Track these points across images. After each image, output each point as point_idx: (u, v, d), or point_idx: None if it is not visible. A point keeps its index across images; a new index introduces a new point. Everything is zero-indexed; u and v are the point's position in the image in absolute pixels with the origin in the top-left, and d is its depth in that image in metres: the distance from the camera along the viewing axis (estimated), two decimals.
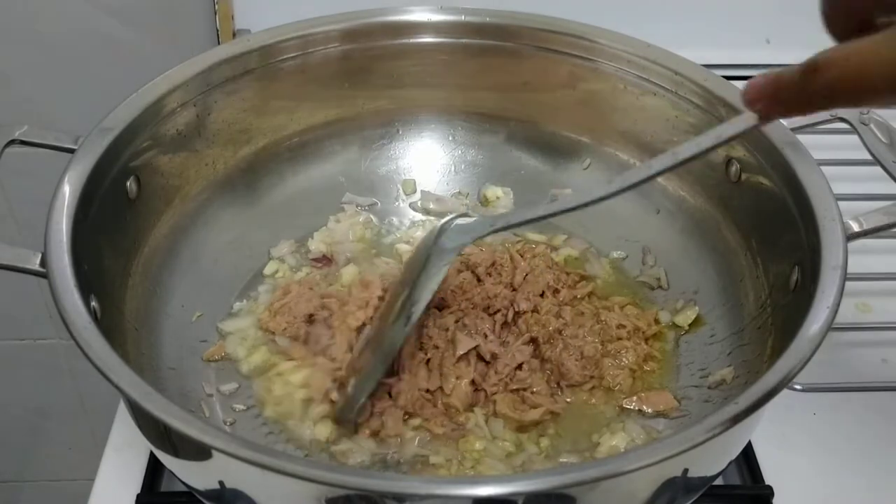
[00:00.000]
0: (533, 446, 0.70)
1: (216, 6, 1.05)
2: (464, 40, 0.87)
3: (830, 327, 0.59)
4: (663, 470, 0.55)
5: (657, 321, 0.79)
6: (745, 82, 0.52)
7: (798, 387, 0.78)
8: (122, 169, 0.73)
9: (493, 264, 0.81)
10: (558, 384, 0.74)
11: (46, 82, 1.13)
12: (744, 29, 1.11)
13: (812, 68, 0.47)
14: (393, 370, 0.72)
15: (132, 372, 0.56)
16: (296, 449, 0.69)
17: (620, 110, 0.86)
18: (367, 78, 0.88)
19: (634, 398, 0.73)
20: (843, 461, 0.74)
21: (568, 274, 0.82)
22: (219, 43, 1.06)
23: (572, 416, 0.73)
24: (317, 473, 0.51)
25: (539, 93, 0.89)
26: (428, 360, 0.73)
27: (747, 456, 0.73)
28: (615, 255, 0.87)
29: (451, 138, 0.93)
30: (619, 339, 0.77)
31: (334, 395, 0.72)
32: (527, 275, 0.80)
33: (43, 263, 0.62)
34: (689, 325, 0.79)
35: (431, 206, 0.91)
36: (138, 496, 0.70)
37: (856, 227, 0.67)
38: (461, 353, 0.73)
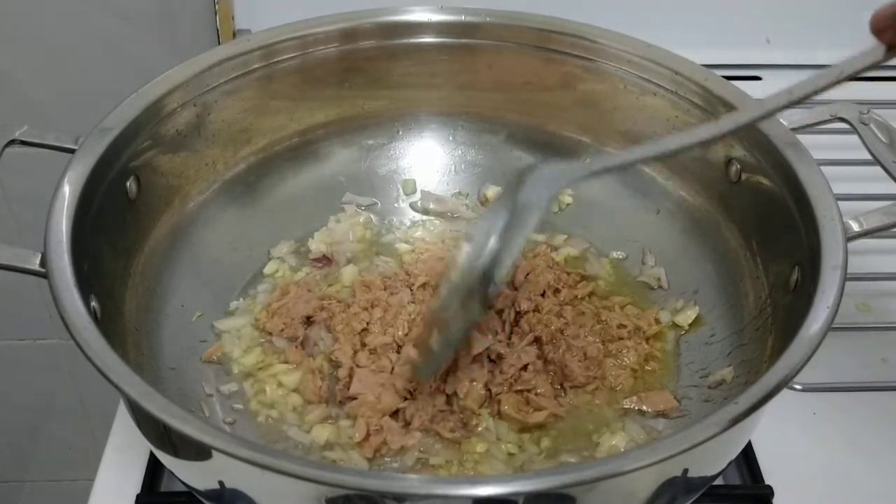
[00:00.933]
0: (533, 446, 0.70)
1: (216, 6, 1.05)
2: (464, 40, 0.87)
3: (830, 327, 0.59)
4: (663, 470, 0.55)
5: (657, 321, 0.79)
6: (871, 12, 0.50)
7: (798, 387, 0.78)
8: (122, 169, 0.73)
9: None
10: (561, 385, 0.74)
11: (46, 82, 1.13)
12: (744, 29, 1.11)
13: None
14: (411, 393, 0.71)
15: (132, 372, 0.56)
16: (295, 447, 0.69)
17: (621, 110, 0.86)
18: (367, 78, 0.88)
19: (634, 398, 0.73)
20: (843, 461, 0.74)
21: (568, 274, 0.83)
22: (219, 43, 1.06)
23: (573, 416, 0.73)
24: (317, 473, 0.51)
25: (539, 93, 0.89)
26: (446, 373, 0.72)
27: (747, 456, 0.73)
28: (615, 255, 0.87)
29: (451, 138, 0.93)
30: (621, 338, 0.77)
31: (413, 353, 0.71)
32: (528, 274, 0.80)
33: (43, 263, 0.62)
34: (689, 325, 0.79)
35: (431, 206, 0.91)
36: (138, 496, 0.70)
37: (856, 227, 0.67)
38: (477, 352, 0.73)
